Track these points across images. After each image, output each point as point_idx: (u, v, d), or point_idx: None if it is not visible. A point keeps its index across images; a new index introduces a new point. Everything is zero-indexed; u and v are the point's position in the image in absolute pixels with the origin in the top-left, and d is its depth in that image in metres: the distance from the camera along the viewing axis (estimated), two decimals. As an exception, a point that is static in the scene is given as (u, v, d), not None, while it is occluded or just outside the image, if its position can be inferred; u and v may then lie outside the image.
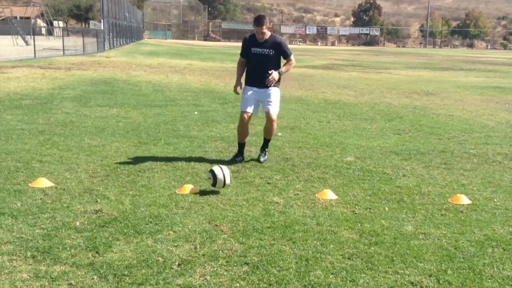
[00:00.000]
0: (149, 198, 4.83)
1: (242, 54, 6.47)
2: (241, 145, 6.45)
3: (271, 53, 6.22)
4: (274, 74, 6.12)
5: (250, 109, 6.32)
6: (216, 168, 5.12)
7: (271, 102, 6.30)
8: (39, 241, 3.78)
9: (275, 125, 6.39)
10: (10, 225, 4.07)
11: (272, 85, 6.19)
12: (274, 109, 6.33)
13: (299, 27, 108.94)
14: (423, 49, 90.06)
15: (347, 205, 4.84)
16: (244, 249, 3.77)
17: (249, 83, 6.40)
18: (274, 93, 6.33)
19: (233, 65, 24.93)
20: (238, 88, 6.46)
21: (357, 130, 8.79)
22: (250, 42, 6.33)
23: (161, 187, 5.20)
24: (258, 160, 6.37)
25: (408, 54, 55.24)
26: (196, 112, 10.07)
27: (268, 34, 6.23)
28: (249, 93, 6.34)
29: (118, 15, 41.04)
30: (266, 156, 6.48)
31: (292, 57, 6.39)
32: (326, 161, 6.49)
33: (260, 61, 6.25)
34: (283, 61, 6.41)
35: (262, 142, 6.58)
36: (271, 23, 6.61)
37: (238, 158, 6.36)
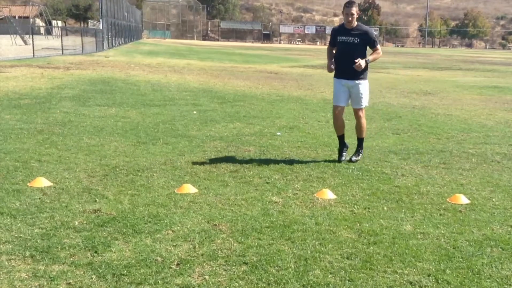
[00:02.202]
0: (148, 198, 4.82)
1: (330, 43, 6.55)
2: (341, 137, 6.60)
3: (356, 40, 6.24)
4: (361, 62, 6.12)
5: (341, 103, 6.49)
6: None
7: (360, 98, 6.43)
8: (38, 241, 3.78)
9: (363, 121, 6.55)
10: (8, 225, 4.07)
11: (359, 71, 6.22)
12: (362, 105, 6.47)
13: (298, 27, 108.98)
14: (422, 48, 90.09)
15: (346, 205, 4.84)
16: (243, 249, 3.77)
17: (337, 75, 6.47)
18: (363, 87, 6.44)
19: (231, 65, 24.94)
20: (332, 66, 6.44)
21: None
22: (337, 31, 6.43)
23: (160, 186, 5.20)
24: (350, 160, 6.47)
25: (407, 53, 55.26)
26: (195, 112, 10.07)
27: (355, 22, 6.25)
28: (339, 86, 6.46)
29: (117, 15, 41.02)
30: (360, 156, 6.57)
31: (379, 46, 6.43)
32: (325, 161, 6.49)
33: (346, 50, 6.28)
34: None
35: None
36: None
37: (344, 151, 6.52)
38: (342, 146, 6.58)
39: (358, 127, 6.60)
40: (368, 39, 6.30)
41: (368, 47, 6.39)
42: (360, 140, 6.65)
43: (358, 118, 6.53)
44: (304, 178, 5.69)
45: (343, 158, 6.50)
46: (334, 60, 6.47)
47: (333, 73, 6.54)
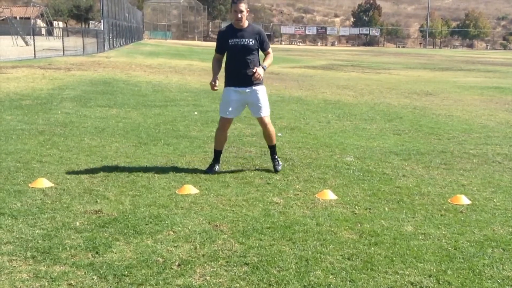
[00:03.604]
0: (149, 199, 4.83)
1: (217, 50, 5.75)
2: (218, 152, 5.94)
3: (251, 42, 5.56)
4: (260, 70, 5.50)
5: (231, 115, 5.82)
6: None
7: (260, 105, 5.74)
8: (39, 242, 3.78)
9: (271, 128, 5.89)
10: (10, 226, 4.07)
11: (256, 82, 5.63)
12: (266, 113, 5.80)
13: (298, 28, 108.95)
14: (423, 49, 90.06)
15: (347, 206, 4.84)
16: (244, 250, 3.77)
17: (229, 83, 5.76)
18: (261, 93, 5.74)
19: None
20: (217, 81, 5.68)
21: (356, 131, 8.79)
22: (226, 34, 5.65)
23: (161, 187, 5.20)
24: (274, 170, 5.89)
25: (408, 54, 55.25)
26: (196, 113, 10.07)
27: (246, 22, 5.61)
28: (230, 96, 5.74)
29: (118, 16, 41.04)
30: (280, 163, 6.02)
31: (270, 49, 5.83)
32: (326, 162, 6.49)
33: (239, 53, 5.57)
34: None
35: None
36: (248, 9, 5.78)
37: (215, 167, 5.83)
38: (216, 162, 5.89)
39: (267, 135, 5.89)
40: (263, 41, 5.66)
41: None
42: (272, 148, 5.99)
43: (265, 126, 5.80)
44: (305, 179, 5.69)
45: (216, 169, 5.83)
46: (225, 69, 5.77)
47: (218, 88, 5.77)
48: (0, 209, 4.41)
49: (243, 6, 5.50)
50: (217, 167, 5.88)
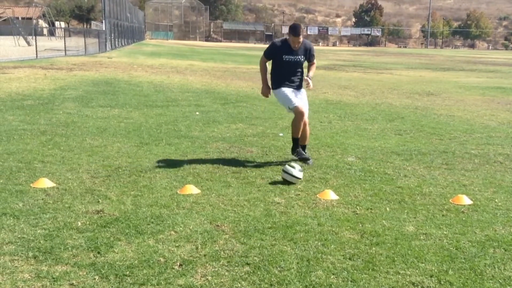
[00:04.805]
0: (150, 199, 4.83)
1: (267, 56, 6.44)
2: (297, 140, 6.45)
3: (302, 59, 6.38)
4: (311, 82, 6.32)
5: (299, 102, 6.35)
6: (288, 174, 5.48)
7: (305, 105, 6.41)
8: (41, 241, 3.79)
9: (309, 128, 6.50)
10: (12, 225, 4.08)
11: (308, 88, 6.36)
12: (307, 111, 6.44)
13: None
14: (424, 49, 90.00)
15: (348, 206, 4.85)
16: (246, 250, 3.77)
17: (282, 85, 6.39)
18: (306, 95, 6.53)
19: (234, 65, 24.94)
20: (269, 91, 6.52)
21: (358, 131, 8.79)
22: (281, 49, 6.31)
23: (163, 187, 5.21)
24: (307, 164, 6.23)
25: (409, 54, 55.21)
26: (197, 113, 10.08)
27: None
28: (289, 89, 6.36)
29: (120, 16, 41.08)
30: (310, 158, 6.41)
31: (315, 60, 6.65)
32: (327, 162, 6.49)
33: (292, 68, 6.36)
34: None
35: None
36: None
37: (305, 154, 6.38)
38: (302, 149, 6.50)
39: (305, 134, 6.51)
40: (311, 55, 6.52)
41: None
42: (303, 148, 6.56)
43: (305, 124, 6.46)
44: (307, 179, 5.69)
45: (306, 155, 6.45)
46: (276, 75, 6.45)
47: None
48: (2, 209, 4.42)
49: (301, 38, 6.24)
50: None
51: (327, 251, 3.80)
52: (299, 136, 6.39)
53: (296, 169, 5.46)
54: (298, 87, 6.45)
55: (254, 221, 4.33)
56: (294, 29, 6.16)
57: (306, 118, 6.37)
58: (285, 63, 6.31)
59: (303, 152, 6.40)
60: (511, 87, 17.93)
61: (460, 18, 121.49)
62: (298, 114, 6.28)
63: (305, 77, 6.37)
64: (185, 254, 3.66)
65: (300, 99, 6.38)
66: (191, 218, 4.37)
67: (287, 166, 5.52)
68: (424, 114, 10.96)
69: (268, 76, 6.60)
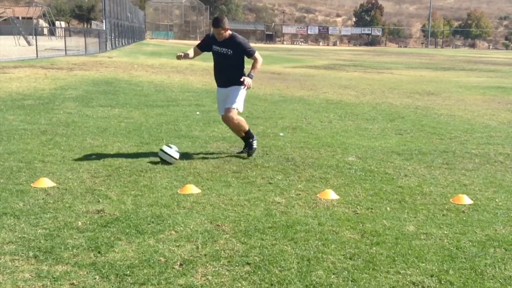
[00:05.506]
0: (151, 198, 4.83)
1: (199, 44, 6.70)
2: (243, 138, 6.68)
3: (229, 52, 6.35)
4: (247, 80, 6.22)
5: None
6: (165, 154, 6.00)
7: (228, 99, 6.45)
8: (41, 241, 3.79)
9: (233, 122, 6.46)
10: (12, 225, 4.08)
11: (246, 88, 6.29)
12: (229, 105, 6.40)
13: (300, 27, 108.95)
14: (425, 49, 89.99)
15: (348, 205, 4.84)
16: (246, 249, 3.77)
17: (217, 84, 6.68)
18: (233, 90, 6.46)
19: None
20: (182, 54, 6.50)
21: (358, 130, 8.79)
22: (212, 40, 6.48)
23: (163, 187, 5.21)
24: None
25: (410, 54, 55.20)
26: (198, 112, 10.08)
27: (228, 34, 6.36)
28: (219, 96, 6.67)
29: (120, 16, 41.07)
30: (253, 148, 6.57)
31: (256, 54, 6.45)
32: (327, 161, 6.49)
33: (220, 60, 6.46)
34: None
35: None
36: (227, 25, 6.57)
37: (253, 140, 6.58)
38: (250, 137, 6.67)
39: (232, 129, 6.74)
40: (243, 50, 6.47)
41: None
42: (243, 139, 6.75)
43: (225, 119, 6.63)
44: (307, 179, 5.69)
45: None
46: (213, 72, 6.75)
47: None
48: (3, 208, 4.42)
49: (220, 30, 6.29)
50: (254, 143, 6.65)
51: (328, 250, 3.80)
52: (237, 133, 6.69)
53: (173, 149, 6.00)
54: (227, 85, 6.49)
55: (254, 221, 4.33)
56: (214, 21, 6.36)
57: (227, 114, 6.42)
58: (215, 54, 6.47)
59: (247, 147, 6.62)
60: (511, 87, 17.92)
61: (460, 18, 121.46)
62: (223, 120, 6.61)
63: (243, 77, 6.28)
64: (185, 254, 3.66)
65: (223, 101, 6.53)
66: (192, 217, 4.37)
67: (164, 146, 6.04)
68: (424, 114, 10.96)
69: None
